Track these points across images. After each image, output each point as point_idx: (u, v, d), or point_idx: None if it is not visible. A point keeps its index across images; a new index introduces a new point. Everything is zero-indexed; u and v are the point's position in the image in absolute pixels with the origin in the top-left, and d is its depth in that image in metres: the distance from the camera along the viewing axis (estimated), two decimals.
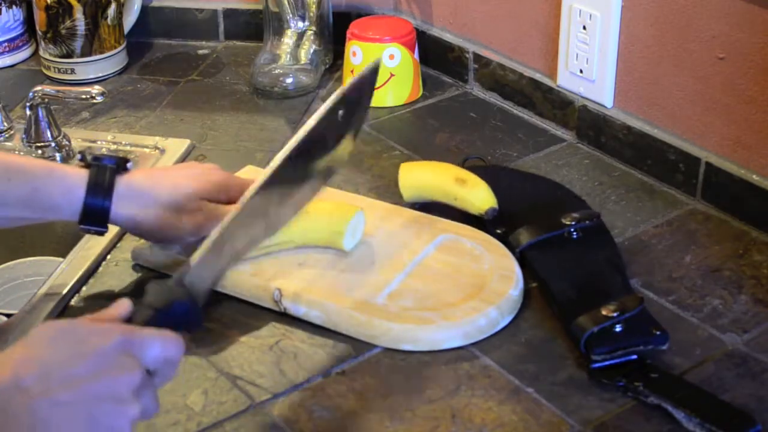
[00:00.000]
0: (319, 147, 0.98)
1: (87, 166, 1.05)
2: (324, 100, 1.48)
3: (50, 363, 0.73)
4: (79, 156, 1.33)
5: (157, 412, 0.78)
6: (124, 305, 0.82)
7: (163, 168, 1.28)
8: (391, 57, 1.46)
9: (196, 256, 0.87)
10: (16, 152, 1.35)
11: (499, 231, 1.15)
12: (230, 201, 1.08)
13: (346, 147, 1.03)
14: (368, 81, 1.06)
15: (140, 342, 0.77)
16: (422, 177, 1.21)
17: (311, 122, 0.95)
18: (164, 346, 0.78)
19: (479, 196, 1.17)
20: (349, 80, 1.03)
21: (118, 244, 1.18)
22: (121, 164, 1.06)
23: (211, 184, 1.08)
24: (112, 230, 1.15)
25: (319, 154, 0.98)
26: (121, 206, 1.04)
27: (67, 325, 0.78)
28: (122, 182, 1.05)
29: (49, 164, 1.07)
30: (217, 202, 1.08)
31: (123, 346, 0.76)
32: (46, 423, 0.71)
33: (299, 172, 0.96)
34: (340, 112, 0.99)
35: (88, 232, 1.06)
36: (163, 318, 0.81)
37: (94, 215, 1.04)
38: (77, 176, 1.04)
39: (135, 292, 1.11)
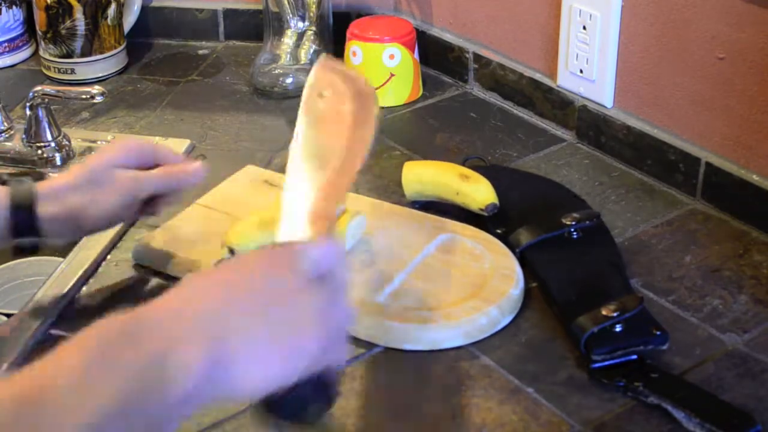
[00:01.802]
0: None
1: (4, 183, 1.03)
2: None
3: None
4: None
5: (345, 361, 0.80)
6: None
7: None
8: (391, 57, 1.46)
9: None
10: (16, 152, 1.35)
11: (499, 231, 1.15)
12: (142, 163, 1.06)
13: None
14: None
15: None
16: (426, 172, 1.22)
17: None
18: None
19: (481, 191, 1.17)
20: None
21: (118, 244, 1.18)
22: (40, 177, 1.05)
23: (118, 148, 1.06)
24: (112, 230, 1.15)
25: None
26: (44, 208, 1.02)
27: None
28: (43, 186, 1.03)
29: None
30: (132, 165, 1.05)
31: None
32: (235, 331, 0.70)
33: None
34: None
35: (24, 244, 1.04)
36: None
37: (23, 224, 1.02)
38: None
39: (135, 292, 1.11)
